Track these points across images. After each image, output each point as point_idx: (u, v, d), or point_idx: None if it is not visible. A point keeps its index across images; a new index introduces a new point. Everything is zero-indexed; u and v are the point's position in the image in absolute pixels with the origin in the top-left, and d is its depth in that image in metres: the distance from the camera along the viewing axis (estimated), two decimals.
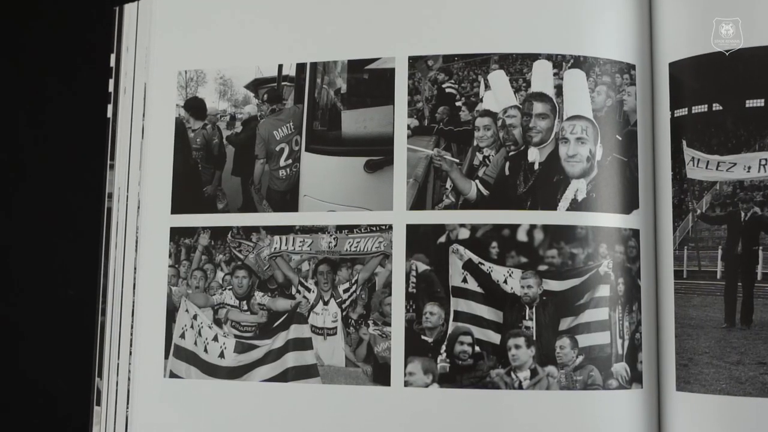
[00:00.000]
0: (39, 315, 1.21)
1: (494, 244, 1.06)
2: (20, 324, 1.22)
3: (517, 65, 1.08)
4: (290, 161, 1.14)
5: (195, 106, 1.17)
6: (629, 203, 1.07)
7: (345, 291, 1.10)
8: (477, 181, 1.09)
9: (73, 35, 1.25)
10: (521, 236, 1.06)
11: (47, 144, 1.25)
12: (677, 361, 1.03)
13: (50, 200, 1.23)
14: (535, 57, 1.08)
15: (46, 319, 1.21)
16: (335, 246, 1.11)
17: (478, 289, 1.07)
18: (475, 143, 1.09)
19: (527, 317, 1.05)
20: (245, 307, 1.13)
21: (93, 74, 1.21)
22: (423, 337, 1.07)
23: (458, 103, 1.10)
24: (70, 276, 1.21)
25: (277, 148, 1.15)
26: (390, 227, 1.09)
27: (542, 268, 1.05)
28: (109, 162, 1.16)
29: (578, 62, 1.07)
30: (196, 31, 1.17)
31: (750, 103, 1.03)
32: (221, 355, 1.12)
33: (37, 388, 1.20)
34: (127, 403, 1.12)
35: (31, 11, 1.27)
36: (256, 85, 1.15)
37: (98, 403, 1.13)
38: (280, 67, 1.15)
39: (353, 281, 1.10)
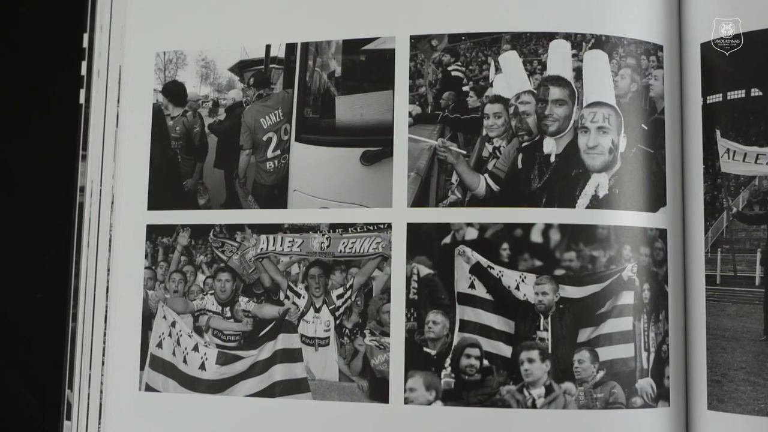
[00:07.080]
0: (4, 321, 1.19)
1: (505, 245, 1.05)
2: None
3: (531, 45, 1.07)
4: (279, 152, 1.12)
5: (174, 91, 1.16)
6: (656, 200, 1.05)
7: (339, 297, 1.09)
8: (486, 175, 1.07)
9: (42, 13, 1.23)
10: (535, 237, 1.04)
11: (14, 133, 1.22)
12: (709, 377, 1.02)
13: (17, 195, 1.21)
14: (551, 36, 1.06)
15: (12, 325, 1.19)
16: (328, 247, 1.09)
17: (487, 296, 1.05)
18: (484, 133, 1.07)
19: (542, 327, 1.04)
20: (228, 314, 1.12)
21: (64, 55, 1.19)
22: (425, 348, 1.05)
23: (465, 88, 1.08)
24: (38, 278, 1.19)
25: (265, 138, 1.13)
26: (389, 226, 1.07)
27: (559, 272, 1.04)
28: (81, 152, 1.15)
29: (600, 42, 1.06)
30: (176, 9, 1.16)
31: None
32: (202, 367, 1.10)
33: (1, 401, 1.18)
34: (99, 418, 1.11)
35: None
36: (241, 68, 1.14)
37: (68, 418, 1.12)
38: (268, 47, 1.13)
39: (348, 286, 1.09)
